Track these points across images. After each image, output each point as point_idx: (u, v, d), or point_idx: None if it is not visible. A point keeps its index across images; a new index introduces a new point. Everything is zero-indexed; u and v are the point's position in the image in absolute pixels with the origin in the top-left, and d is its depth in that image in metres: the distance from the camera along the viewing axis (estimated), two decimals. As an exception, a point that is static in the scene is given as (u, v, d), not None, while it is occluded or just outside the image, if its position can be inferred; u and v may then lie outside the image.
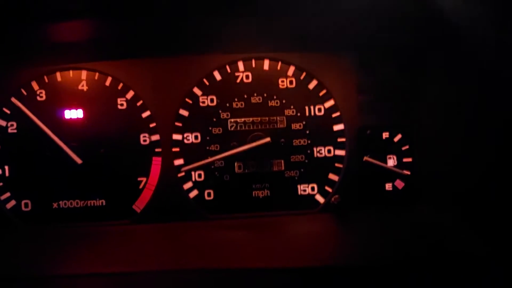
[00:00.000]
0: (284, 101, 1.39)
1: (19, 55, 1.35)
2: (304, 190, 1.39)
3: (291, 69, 1.39)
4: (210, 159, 1.35)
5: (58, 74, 1.38)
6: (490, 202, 1.10)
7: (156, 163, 1.37)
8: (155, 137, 1.38)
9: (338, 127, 1.38)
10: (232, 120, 1.39)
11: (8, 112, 1.36)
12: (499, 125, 1.11)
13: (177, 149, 1.38)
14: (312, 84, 1.39)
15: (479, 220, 1.11)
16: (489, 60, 1.14)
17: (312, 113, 1.39)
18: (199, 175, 1.39)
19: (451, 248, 1.05)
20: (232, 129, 1.38)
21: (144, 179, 1.38)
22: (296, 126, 1.39)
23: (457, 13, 1.13)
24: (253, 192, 1.39)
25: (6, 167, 1.36)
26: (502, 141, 1.11)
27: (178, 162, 1.38)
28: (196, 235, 1.25)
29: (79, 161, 1.34)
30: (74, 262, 1.05)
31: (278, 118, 1.39)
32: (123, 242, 1.23)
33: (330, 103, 1.39)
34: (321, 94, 1.39)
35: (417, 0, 1.09)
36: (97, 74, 1.38)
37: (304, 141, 1.39)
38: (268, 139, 1.35)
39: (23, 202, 1.36)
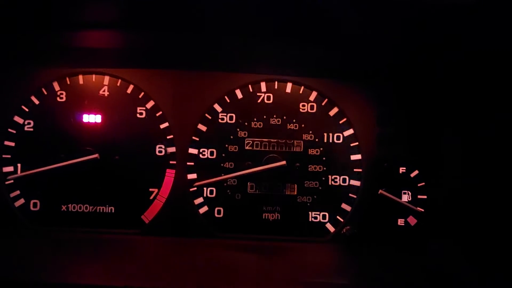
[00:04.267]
0: (303, 126, 1.38)
1: (43, 55, 1.35)
2: (315, 218, 1.37)
3: (313, 95, 1.39)
4: (223, 177, 1.34)
5: (80, 77, 1.38)
6: (505, 250, 1.09)
7: (170, 175, 1.37)
8: (171, 149, 1.37)
9: (356, 157, 1.37)
10: (249, 139, 1.38)
11: (27, 110, 1.36)
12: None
13: (191, 163, 1.37)
14: (333, 111, 1.39)
15: (491, 267, 1.10)
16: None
17: (330, 140, 1.38)
18: (211, 192, 1.37)
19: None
20: (248, 148, 1.38)
21: (155, 190, 1.36)
22: (313, 151, 1.38)
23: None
24: (264, 214, 1.38)
25: (19, 165, 1.35)
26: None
27: (192, 176, 1.37)
28: (201, 253, 1.23)
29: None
30: (73, 271, 1.03)
31: (295, 141, 1.38)
32: (127, 254, 1.21)
33: (349, 132, 1.38)
34: (341, 122, 1.38)
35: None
36: (119, 80, 1.38)
37: (320, 168, 1.37)
38: (283, 162, 1.34)
39: (32, 201, 1.35)
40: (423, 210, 1.36)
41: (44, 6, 1.05)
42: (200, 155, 1.37)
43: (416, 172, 1.37)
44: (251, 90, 1.39)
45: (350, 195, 1.37)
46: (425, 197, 1.36)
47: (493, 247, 1.15)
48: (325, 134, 1.38)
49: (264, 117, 1.38)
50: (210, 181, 1.34)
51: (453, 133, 1.34)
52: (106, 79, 1.38)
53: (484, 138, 1.24)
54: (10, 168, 1.35)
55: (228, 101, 1.39)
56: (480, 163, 1.25)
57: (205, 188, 1.37)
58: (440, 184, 1.35)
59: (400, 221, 1.37)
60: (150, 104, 1.38)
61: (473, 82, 1.25)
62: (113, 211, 1.36)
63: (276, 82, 1.39)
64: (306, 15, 1.06)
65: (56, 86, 1.37)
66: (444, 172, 1.35)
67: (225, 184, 1.37)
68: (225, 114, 1.39)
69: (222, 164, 1.37)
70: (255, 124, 1.38)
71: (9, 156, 1.35)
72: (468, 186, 1.29)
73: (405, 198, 1.37)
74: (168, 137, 1.37)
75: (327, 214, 1.37)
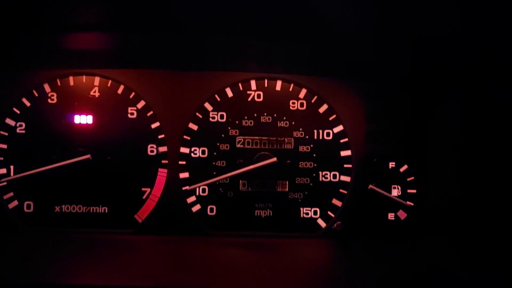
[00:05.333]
0: (293, 123, 1.39)
1: (33, 57, 1.35)
2: (307, 213, 1.39)
3: (303, 92, 1.40)
4: (215, 178, 1.34)
5: (71, 78, 1.38)
6: (495, 243, 1.10)
7: (162, 174, 1.38)
8: (163, 149, 1.38)
9: (346, 153, 1.39)
10: (240, 137, 1.39)
11: (18, 112, 1.37)
12: (508, 161, 1.11)
13: (183, 162, 1.38)
14: (323, 108, 1.40)
15: (481, 261, 1.11)
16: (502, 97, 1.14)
17: (321, 137, 1.39)
18: (203, 190, 1.39)
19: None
20: (239, 146, 1.39)
21: (148, 190, 1.38)
22: (303, 148, 1.39)
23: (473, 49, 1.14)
24: (256, 211, 1.39)
25: (12, 167, 1.36)
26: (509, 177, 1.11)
27: (184, 175, 1.38)
28: (195, 251, 1.24)
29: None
30: (67, 271, 1.03)
31: (286, 139, 1.39)
32: (120, 253, 1.21)
33: (339, 128, 1.39)
34: (330, 118, 1.40)
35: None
36: (110, 81, 1.38)
37: (311, 164, 1.39)
38: (274, 159, 1.35)
39: (25, 203, 1.36)
40: (412, 204, 1.38)
41: (33, 8, 1.06)
42: (192, 154, 1.39)
43: (405, 166, 1.39)
44: (241, 89, 1.40)
45: (340, 190, 1.39)
46: (414, 191, 1.38)
47: (483, 241, 1.17)
48: (315, 131, 1.39)
49: (255, 115, 1.40)
50: (202, 184, 1.34)
51: (441, 128, 1.36)
52: (97, 80, 1.38)
53: (472, 133, 1.26)
54: (3, 170, 1.36)
55: (219, 99, 1.40)
56: (469, 157, 1.27)
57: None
58: (429, 178, 1.37)
59: (390, 216, 1.39)
60: (141, 104, 1.39)
61: (461, 78, 1.26)
62: (106, 211, 1.37)
63: (266, 80, 1.40)
64: (295, 14, 1.07)
65: (47, 87, 1.38)
66: (433, 167, 1.37)
67: (217, 183, 1.38)
68: (216, 113, 1.40)
69: (213, 163, 1.38)
70: (246, 122, 1.39)
71: (1, 158, 1.36)
72: (457, 180, 1.31)
73: (395, 192, 1.38)
74: (159, 137, 1.38)
75: (318, 209, 1.39)
